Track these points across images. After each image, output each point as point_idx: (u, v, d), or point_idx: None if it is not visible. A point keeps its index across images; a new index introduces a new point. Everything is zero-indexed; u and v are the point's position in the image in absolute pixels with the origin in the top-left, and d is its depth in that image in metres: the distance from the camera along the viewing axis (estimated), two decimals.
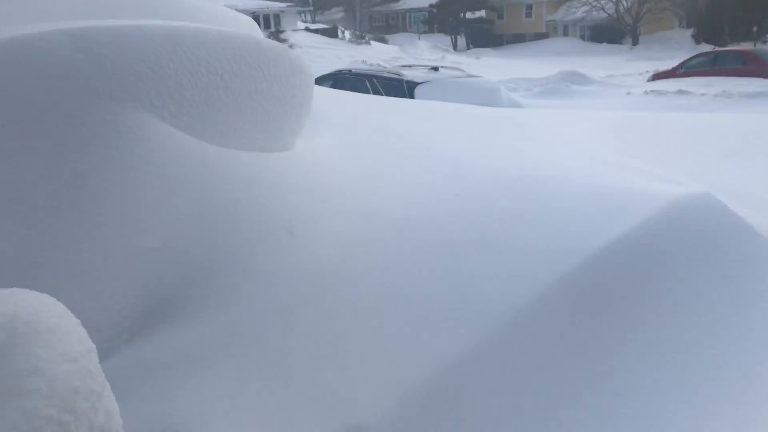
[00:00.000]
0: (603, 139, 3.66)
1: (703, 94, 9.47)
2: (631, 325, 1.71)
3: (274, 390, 1.40)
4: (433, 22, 46.32)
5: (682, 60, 19.50)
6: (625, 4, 38.59)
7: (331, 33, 35.20)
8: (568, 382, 1.61)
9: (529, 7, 44.52)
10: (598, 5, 39.34)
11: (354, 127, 2.90)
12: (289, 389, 1.41)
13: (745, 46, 26.92)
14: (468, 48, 42.68)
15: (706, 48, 29.39)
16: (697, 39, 34.64)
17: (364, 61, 25.27)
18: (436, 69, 9.29)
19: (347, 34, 35.30)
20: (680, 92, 9.61)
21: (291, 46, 29.41)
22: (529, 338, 1.65)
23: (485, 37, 43.73)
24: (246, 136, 2.00)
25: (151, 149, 1.61)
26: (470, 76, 9.37)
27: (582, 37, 40.86)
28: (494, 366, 1.58)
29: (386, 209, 2.03)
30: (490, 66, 27.50)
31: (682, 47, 33.52)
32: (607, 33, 38.88)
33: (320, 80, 10.02)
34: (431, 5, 45.65)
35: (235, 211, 1.71)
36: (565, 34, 42.26)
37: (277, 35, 29.49)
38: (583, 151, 3.06)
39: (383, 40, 37.69)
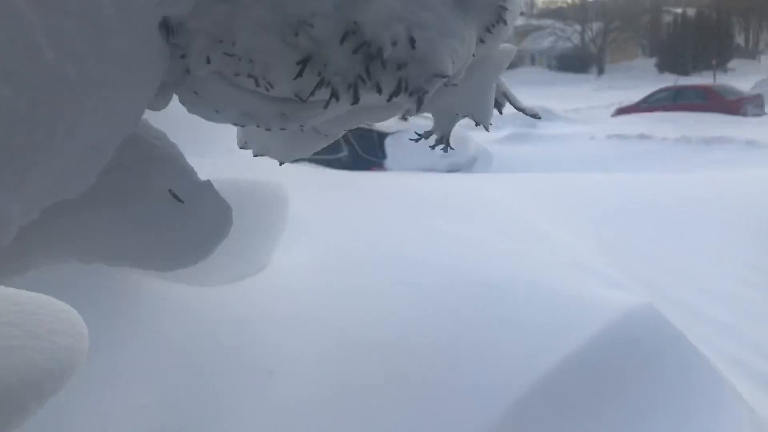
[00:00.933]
0: (563, 219, 3.91)
1: (663, 139, 9.89)
2: None
3: None
4: None
5: (645, 91, 20.22)
6: (590, 34, 39.80)
7: None
8: None
9: None
10: (564, 35, 40.51)
11: (323, 229, 3.07)
12: None
13: (706, 77, 27.92)
14: None
15: (669, 77, 30.44)
16: (661, 68, 35.85)
17: None
18: (405, 119, 9.56)
19: None
20: (642, 136, 10.02)
21: None
22: None
23: None
24: (227, 271, 2.16)
25: (141, 308, 1.76)
26: None
27: (549, 66, 41.92)
28: None
29: (359, 333, 2.20)
30: None
31: (645, 76, 34.66)
32: (574, 62, 39.97)
33: None
34: None
35: (219, 356, 1.87)
36: (533, 63, 43.32)
37: None
38: (544, 243, 3.28)
39: None
